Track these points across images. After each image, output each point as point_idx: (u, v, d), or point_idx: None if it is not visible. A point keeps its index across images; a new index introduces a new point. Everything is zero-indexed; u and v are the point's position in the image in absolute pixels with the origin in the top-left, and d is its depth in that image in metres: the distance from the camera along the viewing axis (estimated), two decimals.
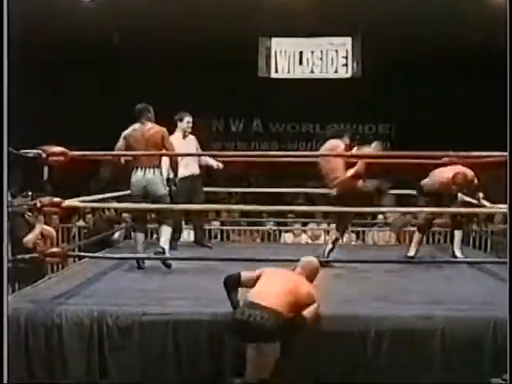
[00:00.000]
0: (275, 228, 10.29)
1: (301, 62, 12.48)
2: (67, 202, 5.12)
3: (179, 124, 7.62)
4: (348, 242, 10.22)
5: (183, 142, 7.50)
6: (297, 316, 4.16)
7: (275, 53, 12.40)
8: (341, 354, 4.33)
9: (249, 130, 15.71)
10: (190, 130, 7.66)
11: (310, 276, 4.49)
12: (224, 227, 10.30)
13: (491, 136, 12.01)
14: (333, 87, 12.88)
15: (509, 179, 3.89)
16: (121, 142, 6.37)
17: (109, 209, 9.12)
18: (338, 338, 4.33)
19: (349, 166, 6.47)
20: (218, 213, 10.95)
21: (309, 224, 10.46)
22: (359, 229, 10.38)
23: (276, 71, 12.50)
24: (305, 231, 10.38)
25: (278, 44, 12.38)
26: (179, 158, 6.83)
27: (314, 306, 4.25)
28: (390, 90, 13.71)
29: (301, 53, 12.47)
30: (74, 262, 6.99)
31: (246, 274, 4.38)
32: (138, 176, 6.22)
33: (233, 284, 4.36)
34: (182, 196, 7.07)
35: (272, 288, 4.16)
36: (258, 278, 4.31)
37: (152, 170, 6.23)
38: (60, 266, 6.93)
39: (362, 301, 4.86)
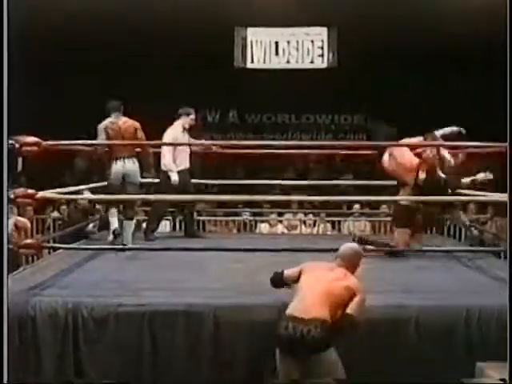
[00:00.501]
0: (251, 218, 10.30)
1: (277, 53, 12.50)
2: (41, 193, 5.09)
3: (183, 118, 7.68)
4: (324, 232, 10.28)
5: (181, 135, 7.59)
6: (343, 315, 4.02)
7: (251, 43, 12.40)
8: None
9: (225, 121, 15.68)
10: (189, 126, 7.71)
11: (352, 265, 4.27)
12: (200, 218, 10.29)
13: (470, 125, 12.11)
14: (309, 78, 12.90)
15: (509, 172, 3.89)
16: (102, 136, 6.83)
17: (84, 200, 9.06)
18: None
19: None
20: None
21: (285, 214, 10.50)
22: (335, 219, 10.41)
23: (252, 61, 12.51)
24: (281, 221, 10.42)
25: (253, 34, 12.38)
26: (177, 152, 7.40)
27: (357, 299, 4.04)
28: (365, 81, 13.74)
29: (277, 43, 12.48)
30: (49, 253, 6.95)
31: (287, 272, 4.35)
32: (117, 166, 6.76)
33: (276, 284, 4.38)
34: (182, 187, 7.30)
35: (311, 294, 4.04)
36: (299, 274, 4.25)
37: (131, 160, 6.83)
38: (35, 258, 6.88)
39: None
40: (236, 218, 10.48)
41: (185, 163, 7.63)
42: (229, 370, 4.35)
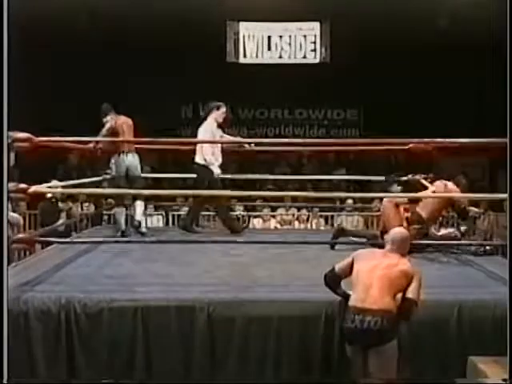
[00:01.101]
0: (244, 213, 10.30)
1: (269, 47, 12.50)
2: (34, 188, 5.07)
3: (215, 112, 7.69)
4: (317, 227, 10.30)
5: (216, 130, 7.62)
6: (404, 300, 4.07)
7: (243, 38, 12.39)
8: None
9: None
10: (221, 121, 7.70)
11: (403, 249, 4.31)
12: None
13: (461, 121, 12.18)
14: (301, 72, 12.89)
15: (509, 169, 3.89)
16: (105, 133, 7.17)
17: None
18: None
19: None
20: (186, 199, 10.91)
21: (278, 209, 10.51)
22: (328, 213, 10.43)
23: (244, 56, 12.51)
24: (274, 216, 10.43)
25: (246, 29, 12.37)
26: (210, 147, 7.43)
27: (415, 283, 4.08)
28: (358, 76, 13.73)
29: (269, 38, 12.48)
30: (42, 248, 6.93)
31: (339, 266, 4.32)
32: (120, 159, 7.21)
33: (333, 282, 4.32)
34: (218, 183, 7.42)
35: (372, 283, 4.06)
36: (352, 265, 4.25)
37: (132, 154, 7.28)
38: (27, 253, 6.86)
39: None
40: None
41: (220, 158, 7.62)
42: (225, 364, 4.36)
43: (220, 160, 7.55)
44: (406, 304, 4.05)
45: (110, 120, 7.26)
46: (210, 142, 7.43)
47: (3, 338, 3.37)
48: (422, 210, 6.30)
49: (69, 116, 12.64)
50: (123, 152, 7.25)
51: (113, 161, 7.31)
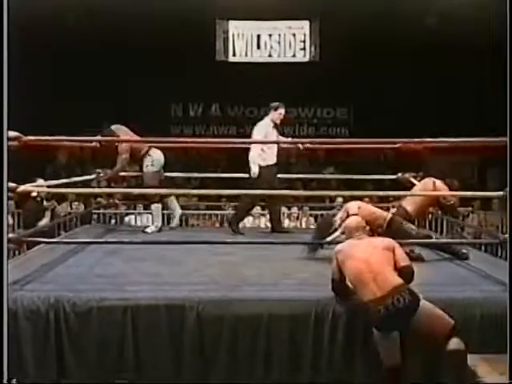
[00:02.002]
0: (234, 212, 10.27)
1: (259, 46, 12.50)
2: (23, 187, 5.06)
3: (272, 113, 7.66)
4: (307, 225, 10.29)
5: (272, 130, 7.63)
6: (401, 270, 4.25)
7: (233, 36, 12.39)
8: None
9: (207, 115, 15.67)
10: (278, 122, 7.69)
11: (364, 232, 4.60)
12: (183, 211, 10.26)
13: (451, 120, 12.20)
14: (291, 71, 12.90)
15: (509, 169, 3.90)
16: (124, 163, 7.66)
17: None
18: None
19: None
20: (177, 197, 10.90)
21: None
22: (318, 212, 10.43)
23: (234, 55, 12.52)
24: (264, 215, 10.41)
25: (235, 27, 12.37)
26: (266, 147, 7.50)
27: (398, 250, 4.35)
28: (348, 74, 13.75)
29: (258, 36, 12.49)
30: (28, 248, 6.90)
31: (333, 273, 4.42)
32: (157, 155, 7.67)
33: (342, 290, 4.42)
34: (267, 183, 7.36)
35: (372, 271, 4.19)
36: (340, 265, 4.34)
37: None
38: (16, 252, 6.84)
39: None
40: (219, 212, 10.48)
41: (272, 158, 7.62)
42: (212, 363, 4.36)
43: (272, 160, 7.59)
44: (405, 271, 4.25)
45: (122, 151, 7.50)
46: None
47: (3, 337, 3.36)
48: (409, 205, 6.31)
49: (65, 115, 12.64)
50: (150, 149, 7.61)
51: (149, 158, 7.62)
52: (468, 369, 3.99)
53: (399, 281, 4.16)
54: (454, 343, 4.03)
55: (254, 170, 7.48)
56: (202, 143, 11.32)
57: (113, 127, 7.58)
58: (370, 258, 4.25)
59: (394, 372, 4.15)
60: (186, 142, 8.48)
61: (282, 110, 7.67)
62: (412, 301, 4.08)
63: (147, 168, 7.66)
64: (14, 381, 4.16)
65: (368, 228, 4.73)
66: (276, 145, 7.67)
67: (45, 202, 9.38)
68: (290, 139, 8.64)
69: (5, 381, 3.41)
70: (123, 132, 7.56)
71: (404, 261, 4.30)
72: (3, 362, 3.38)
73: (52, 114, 12.70)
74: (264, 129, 7.61)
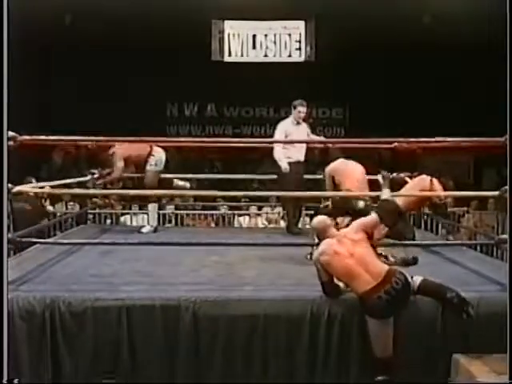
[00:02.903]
0: (230, 212, 10.28)
1: (254, 46, 12.49)
2: (18, 188, 5.05)
3: (293, 111, 7.78)
4: (302, 225, 10.29)
5: (294, 128, 7.70)
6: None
7: (228, 36, 12.38)
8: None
9: (203, 115, 15.65)
10: (300, 120, 7.76)
11: (331, 229, 4.62)
12: (178, 211, 10.27)
13: (446, 120, 12.19)
14: (286, 71, 12.90)
15: (509, 169, 3.90)
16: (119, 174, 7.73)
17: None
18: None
19: None
20: (171, 197, 10.90)
21: (263, 208, 10.50)
22: (313, 212, 10.41)
23: (229, 55, 12.50)
24: (259, 215, 10.42)
25: (231, 27, 12.36)
26: (288, 144, 7.63)
27: (366, 218, 4.58)
28: (343, 74, 13.76)
29: (254, 36, 12.47)
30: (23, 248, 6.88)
31: (323, 279, 4.42)
32: (160, 155, 7.78)
33: (336, 291, 4.45)
34: (288, 181, 7.44)
35: (360, 263, 4.27)
36: (327, 265, 4.34)
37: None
38: (12, 253, 6.82)
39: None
40: (214, 212, 10.48)
41: (296, 155, 7.67)
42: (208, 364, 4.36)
43: (295, 157, 7.63)
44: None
45: (117, 158, 7.57)
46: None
47: (3, 337, 3.36)
48: (400, 201, 6.31)
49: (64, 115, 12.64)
50: (152, 149, 7.71)
51: (153, 158, 7.70)
52: None
53: (385, 267, 4.28)
54: None
55: (284, 165, 7.56)
56: (202, 142, 11.26)
57: None
58: (353, 252, 4.31)
59: (389, 361, 4.21)
60: (185, 142, 8.44)
61: (300, 108, 7.74)
62: (406, 280, 4.21)
63: (150, 167, 7.70)
64: (15, 381, 4.14)
65: (334, 222, 4.82)
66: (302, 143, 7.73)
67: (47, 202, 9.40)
68: (320, 138, 8.72)
69: (5, 381, 3.40)
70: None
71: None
72: (3, 362, 3.37)
73: (52, 114, 12.70)
74: (282, 126, 7.71)
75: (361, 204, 5.94)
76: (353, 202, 5.90)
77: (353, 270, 4.25)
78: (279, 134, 7.68)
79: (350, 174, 6.18)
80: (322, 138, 8.97)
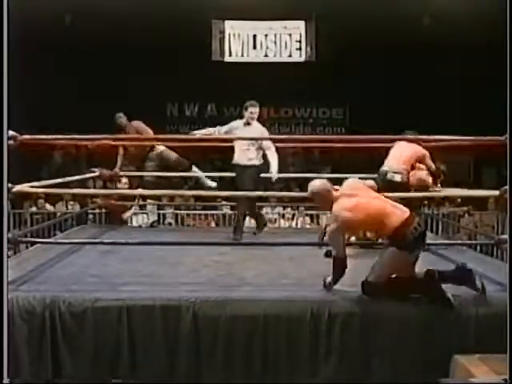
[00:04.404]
0: (231, 212, 10.28)
1: (255, 46, 12.49)
2: (18, 187, 5.05)
3: (244, 112, 7.54)
4: (302, 225, 10.30)
5: (242, 129, 7.42)
6: None
7: (229, 36, 12.38)
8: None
9: (203, 114, 15.65)
10: (251, 121, 7.42)
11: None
12: (179, 211, 10.27)
13: (448, 119, 12.18)
14: (287, 71, 12.90)
15: (509, 167, 3.90)
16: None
17: None
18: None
19: None
20: (172, 198, 10.89)
21: (263, 208, 10.50)
22: (314, 212, 10.43)
23: (230, 55, 12.50)
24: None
25: (231, 27, 12.36)
26: (236, 147, 7.37)
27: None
28: (343, 74, 13.76)
29: (254, 36, 12.48)
30: (27, 248, 6.90)
31: (340, 249, 4.48)
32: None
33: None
34: (240, 184, 7.22)
35: (389, 202, 4.55)
36: (352, 219, 4.42)
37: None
38: (12, 253, 6.83)
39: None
40: (215, 212, 10.49)
41: (243, 159, 7.33)
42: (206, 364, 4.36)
43: (242, 160, 7.31)
44: None
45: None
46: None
47: (3, 338, 3.36)
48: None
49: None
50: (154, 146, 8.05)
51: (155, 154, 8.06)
52: None
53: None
54: None
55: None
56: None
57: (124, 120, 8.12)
58: (378, 195, 4.63)
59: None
60: (185, 140, 8.43)
61: (252, 109, 7.43)
62: (423, 227, 4.51)
63: (151, 166, 7.75)
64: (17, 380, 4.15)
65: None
66: (254, 146, 7.30)
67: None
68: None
69: (5, 381, 3.40)
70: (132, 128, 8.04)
71: None
72: (3, 362, 3.37)
73: (52, 114, 12.69)
74: (229, 126, 7.52)
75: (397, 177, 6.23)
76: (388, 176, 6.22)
77: (384, 207, 4.45)
78: (224, 128, 7.52)
79: None
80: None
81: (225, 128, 7.52)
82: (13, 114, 3.66)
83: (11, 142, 4.76)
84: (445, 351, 4.28)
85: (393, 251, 4.36)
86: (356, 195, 4.51)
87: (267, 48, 12.57)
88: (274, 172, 7.33)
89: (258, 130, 7.46)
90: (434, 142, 6.75)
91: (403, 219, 4.38)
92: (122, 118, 8.21)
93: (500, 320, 4.04)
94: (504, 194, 4.67)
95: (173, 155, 8.22)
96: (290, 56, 12.66)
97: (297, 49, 12.62)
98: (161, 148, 8.21)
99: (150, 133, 8.14)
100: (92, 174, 8.31)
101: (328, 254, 5.76)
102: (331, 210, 4.48)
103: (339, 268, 4.47)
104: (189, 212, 10.49)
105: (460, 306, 4.40)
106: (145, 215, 9.40)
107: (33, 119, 9.93)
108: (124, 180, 8.69)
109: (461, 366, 4.09)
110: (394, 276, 4.43)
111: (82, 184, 9.79)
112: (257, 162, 7.35)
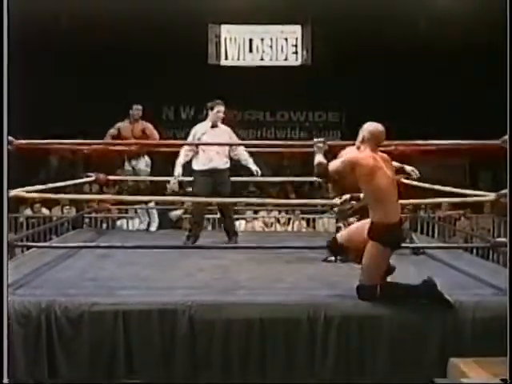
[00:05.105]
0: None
1: (251, 50, 12.51)
2: (14, 192, 5.04)
3: (209, 113, 7.27)
4: (299, 229, 10.30)
5: (209, 131, 7.14)
6: None
7: (225, 40, 12.40)
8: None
9: (199, 118, 15.61)
10: (218, 121, 7.20)
11: None
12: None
13: (443, 123, 12.17)
14: (283, 75, 12.91)
15: (509, 169, 3.90)
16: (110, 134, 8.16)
17: None
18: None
19: None
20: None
21: (259, 212, 10.52)
22: (309, 216, 10.44)
23: (226, 59, 12.52)
24: (256, 218, 10.43)
25: (227, 31, 12.38)
26: (199, 150, 7.07)
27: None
28: (339, 78, 13.77)
29: (251, 40, 12.50)
30: (22, 252, 6.89)
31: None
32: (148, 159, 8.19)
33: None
34: (201, 189, 6.98)
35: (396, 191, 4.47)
36: (372, 171, 4.36)
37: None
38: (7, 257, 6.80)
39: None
40: (210, 216, 10.46)
41: (209, 162, 7.03)
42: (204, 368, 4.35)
43: (209, 164, 7.02)
44: None
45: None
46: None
47: (3, 338, 3.35)
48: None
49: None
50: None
51: (143, 160, 8.16)
52: None
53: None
54: None
55: (177, 172, 7.21)
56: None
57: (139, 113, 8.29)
58: (393, 178, 4.47)
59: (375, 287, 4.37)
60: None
61: (219, 108, 7.21)
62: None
63: (145, 170, 7.73)
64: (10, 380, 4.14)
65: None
66: (217, 148, 7.02)
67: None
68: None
69: (5, 381, 3.39)
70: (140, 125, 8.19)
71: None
72: (3, 362, 3.36)
73: (52, 114, 12.70)
74: (195, 130, 7.23)
75: None
76: None
77: (392, 193, 4.38)
78: (191, 137, 7.22)
79: None
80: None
81: (190, 138, 7.21)
82: (13, 114, 3.65)
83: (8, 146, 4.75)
84: (441, 354, 4.29)
85: (377, 248, 4.32)
86: (383, 166, 4.41)
87: (263, 52, 12.59)
88: (254, 167, 7.26)
89: (225, 131, 7.22)
90: (430, 147, 6.74)
91: (399, 216, 4.39)
92: (139, 110, 8.32)
93: (497, 323, 4.04)
94: (501, 197, 4.67)
95: (143, 183, 8.15)
96: (286, 60, 12.69)
97: (293, 53, 12.64)
98: (142, 165, 8.12)
99: (155, 138, 8.16)
100: (88, 179, 8.27)
101: (326, 259, 5.79)
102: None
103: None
104: (186, 216, 10.45)
105: (457, 310, 4.39)
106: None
107: (33, 120, 9.94)
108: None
109: (458, 369, 4.09)
110: (389, 280, 4.43)
111: (79, 188, 9.81)
112: (229, 164, 7.17)
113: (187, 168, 7.23)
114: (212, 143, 7.06)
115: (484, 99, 12.01)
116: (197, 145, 7.10)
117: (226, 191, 7.06)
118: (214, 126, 7.16)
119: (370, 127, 4.57)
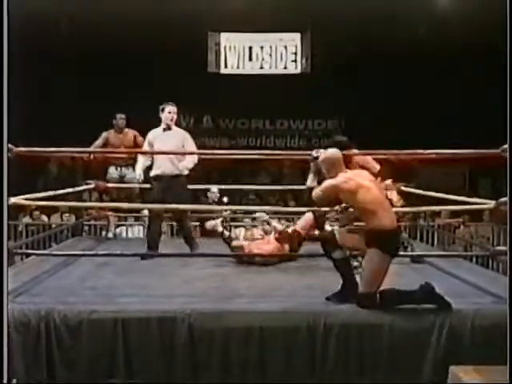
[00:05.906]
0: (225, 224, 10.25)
1: (250, 58, 12.54)
2: (13, 200, 5.04)
3: (161, 115, 6.93)
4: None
5: (161, 135, 6.86)
6: None
7: (225, 48, 12.43)
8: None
9: (199, 126, 15.65)
10: (171, 122, 6.87)
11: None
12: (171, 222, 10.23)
13: (440, 126, 12.16)
14: (282, 83, 12.94)
15: (509, 176, 3.90)
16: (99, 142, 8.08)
17: None
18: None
19: None
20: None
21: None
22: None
23: (226, 67, 12.55)
24: (255, 226, 10.39)
25: (227, 39, 12.41)
26: (155, 155, 6.86)
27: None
28: (339, 86, 13.79)
29: (250, 48, 12.53)
30: (22, 259, 6.88)
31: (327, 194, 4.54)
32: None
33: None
34: (152, 196, 6.80)
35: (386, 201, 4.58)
36: (353, 192, 4.41)
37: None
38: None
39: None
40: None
41: (164, 168, 6.74)
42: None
43: (164, 169, 6.73)
44: None
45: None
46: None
47: (3, 338, 3.34)
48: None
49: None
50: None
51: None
52: None
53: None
54: None
55: (137, 173, 7.17)
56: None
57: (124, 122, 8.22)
58: (378, 189, 4.55)
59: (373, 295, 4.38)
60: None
61: (170, 108, 6.93)
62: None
63: (135, 179, 7.55)
64: (14, 381, 4.13)
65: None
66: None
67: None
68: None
69: (5, 381, 3.39)
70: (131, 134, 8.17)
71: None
72: (3, 362, 3.35)
73: (51, 115, 12.71)
74: (149, 135, 6.96)
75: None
76: None
77: (384, 203, 4.46)
78: (146, 143, 6.98)
79: None
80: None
81: (146, 145, 6.99)
82: (13, 114, 3.65)
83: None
84: (441, 362, 4.28)
85: (377, 254, 4.34)
86: (363, 183, 4.45)
87: (263, 60, 12.63)
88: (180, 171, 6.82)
89: (179, 134, 6.93)
90: (429, 156, 6.75)
91: (395, 222, 4.43)
92: (123, 119, 8.25)
93: (497, 331, 4.03)
94: (501, 205, 4.67)
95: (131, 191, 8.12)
96: (285, 68, 12.72)
97: (292, 61, 12.68)
98: (132, 174, 7.82)
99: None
100: (87, 186, 8.27)
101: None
102: None
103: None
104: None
105: (456, 318, 4.39)
106: (140, 227, 9.42)
107: (33, 119, 9.95)
108: None
109: (458, 377, 4.08)
110: (389, 287, 4.43)
111: (78, 196, 9.80)
112: (185, 170, 6.85)
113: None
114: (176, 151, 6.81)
115: (484, 99, 12.00)
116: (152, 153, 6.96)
117: (177, 199, 6.45)
118: (166, 128, 6.86)
119: (324, 159, 4.61)
